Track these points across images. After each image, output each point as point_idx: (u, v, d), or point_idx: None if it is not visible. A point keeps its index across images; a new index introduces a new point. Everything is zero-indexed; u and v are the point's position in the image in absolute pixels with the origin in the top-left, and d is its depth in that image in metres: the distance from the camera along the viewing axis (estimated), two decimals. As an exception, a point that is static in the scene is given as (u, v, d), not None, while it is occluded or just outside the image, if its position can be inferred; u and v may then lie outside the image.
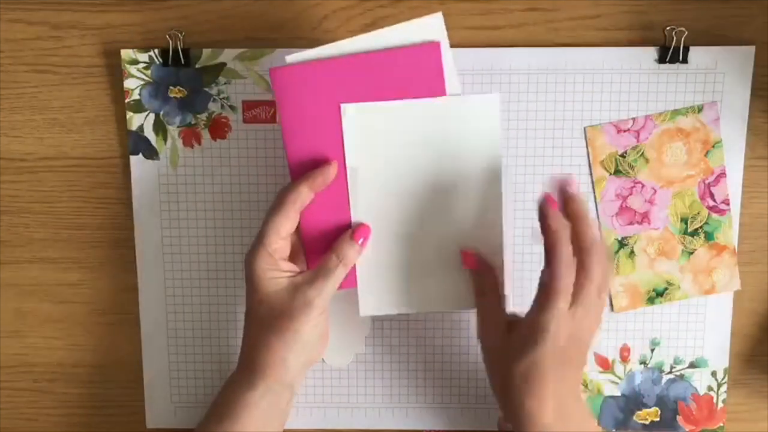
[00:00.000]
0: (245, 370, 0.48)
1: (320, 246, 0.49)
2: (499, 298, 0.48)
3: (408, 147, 0.48)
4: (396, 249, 0.49)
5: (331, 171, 0.47)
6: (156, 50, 0.54)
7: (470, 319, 0.56)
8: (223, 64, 0.54)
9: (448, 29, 0.47)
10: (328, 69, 0.47)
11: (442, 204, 0.49)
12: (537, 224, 0.56)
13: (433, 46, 0.47)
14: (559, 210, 0.45)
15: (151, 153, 0.55)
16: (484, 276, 0.49)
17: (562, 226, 0.44)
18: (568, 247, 0.44)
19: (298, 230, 0.49)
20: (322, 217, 0.49)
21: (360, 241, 0.48)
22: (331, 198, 0.48)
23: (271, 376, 0.47)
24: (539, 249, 0.55)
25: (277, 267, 0.47)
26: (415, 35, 0.47)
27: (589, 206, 0.55)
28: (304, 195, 0.47)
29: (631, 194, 0.55)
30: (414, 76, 0.47)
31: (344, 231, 0.49)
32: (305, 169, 0.48)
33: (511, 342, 0.46)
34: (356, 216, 0.49)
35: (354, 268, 0.49)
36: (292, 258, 0.49)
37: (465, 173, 0.49)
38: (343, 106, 0.47)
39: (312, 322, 0.47)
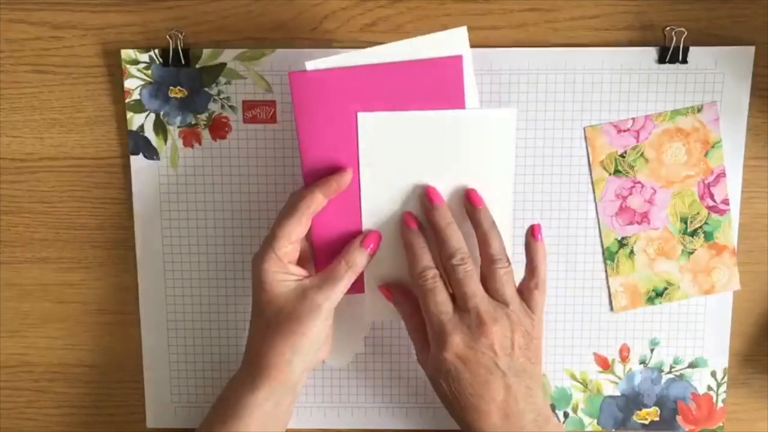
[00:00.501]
0: (249, 371, 0.48)
1: (330, 251, 0.49)
2: (422, 320, 0.48)
3: (421, 157, 0.48)
4: (405, 257, 0.49)
5: (346, 178, 0.47)
6: (156, 50, 0.54)
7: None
8: (223, 64, 0.54)
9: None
10: (348, 77, 0.46)
11: (452, 215, 0.49)
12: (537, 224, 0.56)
13: (456, 60, 0.47)
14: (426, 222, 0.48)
15: (151, 153, 0.55)
16: (403, 304, 0.49)
17: (414, 238, 0.48)
18: (423, 254, 0.47)
19: (309, 235, 0.49)
20: (333, 223, 0.49)
21: (369, 248, 0.48)
22: (344, 204, 0.48)
23: (276, 378, 0.47)
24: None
25: (285, 270, 0.47)
26: (437, 47, 0.47)
27: (590, 207, 0.55)
28: (318, 201, 0.47)
29: (630, 194, 0.55)
30: (434, 88, 0.47)
31: (355, 237, 0.49)
32: (319, 174, 0.47)
33: (430, 359, 0.47)
34: (367, 223, 0.49)
35: (362, 273, 0.49)
36: (301, 262, 0.49)
37: (478, 185, 0.49)
38: (359, 114, 0.47)
39: (319, 326, 0.47)
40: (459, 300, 0.46)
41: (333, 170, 0.47)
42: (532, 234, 0.49)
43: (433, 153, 0.48)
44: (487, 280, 0.47)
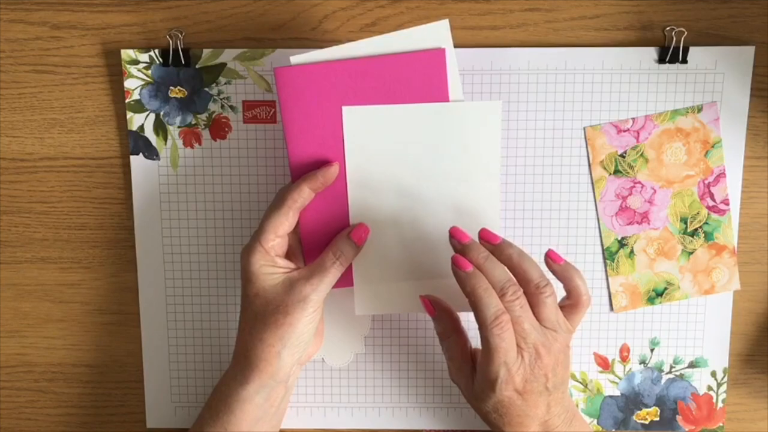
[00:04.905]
0: (239, 365, 0.48)
1: (319, 245, 0.49)
2: (460, 339, 0.49)
3: (408, 150, 0.48)
4: (393, 250, 0.49)
5: (333, 172, 0.48)
6: (156, 50, 0.54)
7: (469, 318, 0.56)
8: (223, 64, 0.54)
9: (448, 29, 0.47)
10: (333, 71, 0.47)
11: (440, 207, 0.49)
12: (537, 224, 0.56)
13: (438, 53, 0.47)
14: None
15: (151, 153, 0.55)
16: (444, 321, 0.49)
17: (476, 281, 0.44)
18: (490, 299, 0.44)
19: (297, 229, 0.49)
20: (321, 216, 0.49)
21: (357, 241, 0.48)
22: (331, 198, 0.49)
23: (265, 371, 0.47)
24: (537, 250, 0.55)
25: (272, 263, 0.47)
26: (420, 41, 0.47)
27: (590, 207, 0.55)
28: (304, 195, 0.47)
29: (630, 194, 0.55)
30: (418, 81, 0.47)
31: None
32: (306, 169, 0.48)
33: (475, 385, 0.47)
34: (355, 217, 0.49)
35: (351, 267, 0.49)
36: (290, 255, 0.49)
37: (464, 177, 0.49)
38: (344, 108, 0.47)
39: (307, 318, 0.47)
40: (516, 335, 0.44)
41: (320, 164, 0.48)
42: (552, 260, 0.48)
43: (418, 146, 0.48)
44: (535, 308, 0.45)
